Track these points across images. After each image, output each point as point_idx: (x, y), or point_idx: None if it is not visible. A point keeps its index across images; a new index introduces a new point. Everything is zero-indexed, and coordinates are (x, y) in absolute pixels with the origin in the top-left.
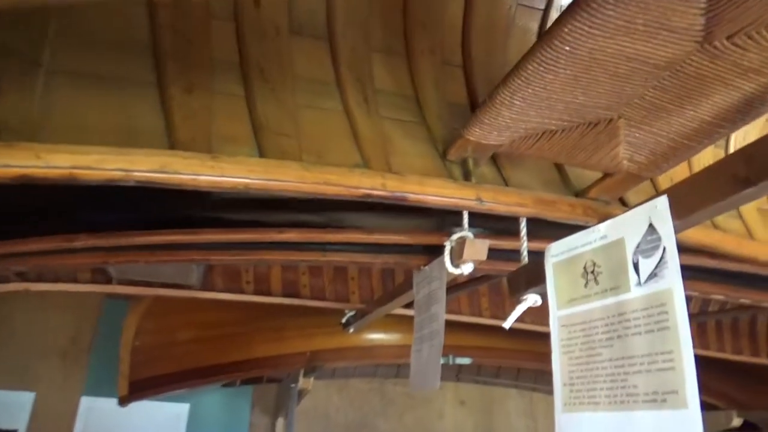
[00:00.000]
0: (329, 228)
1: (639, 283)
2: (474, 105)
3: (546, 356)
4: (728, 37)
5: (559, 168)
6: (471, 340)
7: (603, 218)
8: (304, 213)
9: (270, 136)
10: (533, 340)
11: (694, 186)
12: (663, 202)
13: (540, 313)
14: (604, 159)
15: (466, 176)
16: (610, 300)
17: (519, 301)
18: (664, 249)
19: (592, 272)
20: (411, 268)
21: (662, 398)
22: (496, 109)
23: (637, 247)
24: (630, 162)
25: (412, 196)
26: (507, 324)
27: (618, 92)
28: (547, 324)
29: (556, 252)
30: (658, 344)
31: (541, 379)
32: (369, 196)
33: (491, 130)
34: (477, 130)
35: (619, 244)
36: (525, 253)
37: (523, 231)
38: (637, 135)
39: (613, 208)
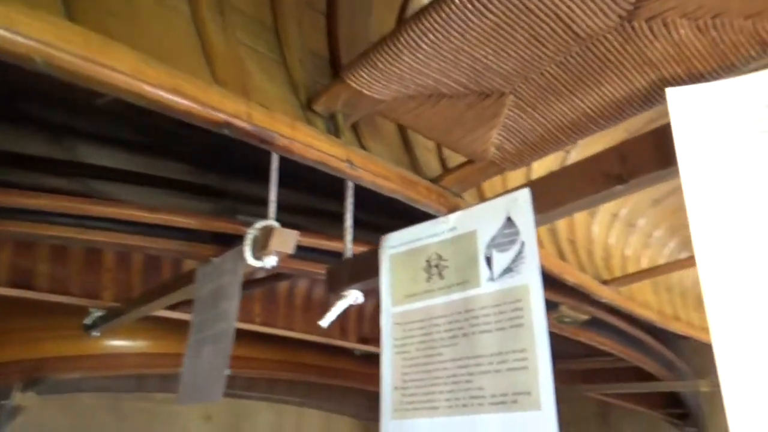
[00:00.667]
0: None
1: (491, 279)
2: (336, 60)
3: (306, 367)
4: (648, 19)
5: (409, 152)
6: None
7: (452, 209)
8: (56, 177)
9: (88, 3)
10: (293, 349)
11: (561, 181)
12: (525, 194)
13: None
14: (476, 141)
15: (335, 134)
16: (457, 296)
17: (339, 297)
18: (523, 244)
19: (437, 266)
20: (193, 258)
21: (512, 399)
22: (397, 51)
23: (492, 240)
24: (497, 150)
25: (280, 140)
26: (325, 322)
27: (527, 60)
28: (315, 332)
29: (396, 243)
30: (510, 342)
31: (296, 390)
32: (229, 125)
33: (380, 79)
34: (363, 75)
35: (470, 237)
36: (350, 245)
37: (348, 221)
38: (518, 118)
39: (460, 200)
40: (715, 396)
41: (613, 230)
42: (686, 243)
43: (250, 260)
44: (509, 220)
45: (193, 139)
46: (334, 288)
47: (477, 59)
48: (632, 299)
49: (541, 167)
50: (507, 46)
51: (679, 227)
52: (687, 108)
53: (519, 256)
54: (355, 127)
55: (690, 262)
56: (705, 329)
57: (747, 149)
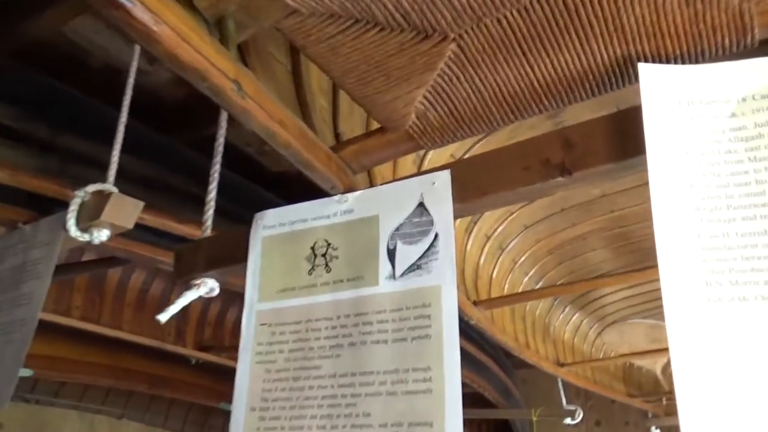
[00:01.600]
0: None
1: (392, 276)
2: None
3: (130, 373)
4: None
5: (304, 109)
6: (36, 346)
7: (348, 189)
8: None
9: None
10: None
11: (489, 165)
12: (443, 177)
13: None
14: (397, 101)
15: (222, 43)
16: (346, 294)
17: (188, 286)
18: (437, 236)
19: (324, 255)
20: None
21: (408, 431)
22: None
23: (397, 229)
24: (418, 119)
25: (165, 31)
26: (164, 315)
27: None
28: (146, 334)
29: (272, 222)
30: (410, 358)
31: (115, 399)
32: (111, 4)
33: None
34: None
35: (370, 223)
36: (209, 220)
37: (213, 192)
38: (453, 79)
39: (357, 181)
40: (541, 425)
41: (485, 251)
42: (544, 274)
43: (74, 231)
44: (422, 206)
45: (26, 78)
46: (184, 273)
47: None
48: (493, 323)
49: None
50: None
51: (541, 256)
52: (659, 89)
53: (431, 250)
54: (243, 54)
55: (542, 293)
56: (549, 360)
57: (718, 146)
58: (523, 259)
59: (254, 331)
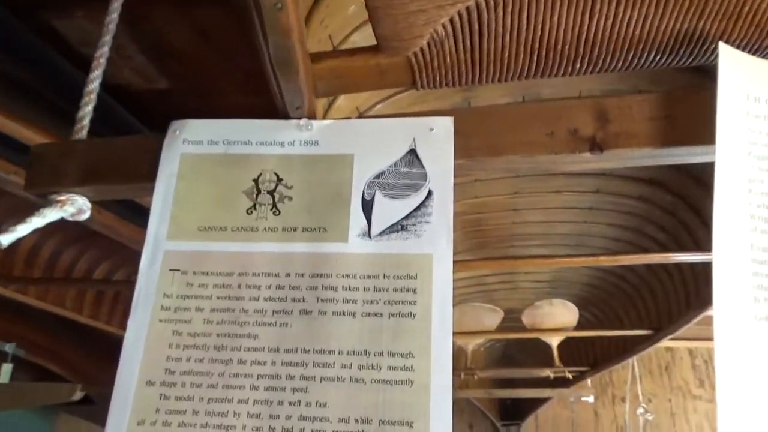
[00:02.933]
0: None
1: (366, 234)
2: None
3: None
4: None
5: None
6: None
7: (311, 116)
8: None
9: None
10: None
11: (503, 121)
12: (445, 124)
13: None
14: (419, 15)
15: None
16: (301, 247)
17: (48, 203)
18: (430, 194)
19: (272, 193)
20: None
21: (379, 430)
22: None
23: (377, 177)
24: (429, 47)
25: None
26: (6, 238)
27: None
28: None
29: (199, 137)
30: (386, 339)
31: None
32: None
33: None
34: None
35: (340, 162)
36: (86, 121)
37: (96, 82)
38: (500, 5)
39: (322, 107)
40: None
41: None
42: None
43: None
44: (413, 154)
45: None
46: (41, 184)
47: None
48: None
49: None
50: None
51: None
52: (734, 77)
53: (421, 210)
54: None
55: None
56: None
57: None
58: None
59: (159, 276)
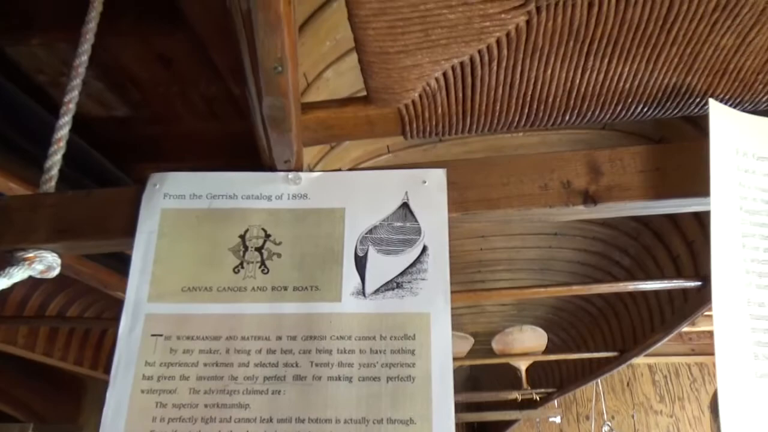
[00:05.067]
0: None
1: (361, 293)
2: None
3: None
4: None
5: None
6: None
7: (299, 167)
8: None
9: None
10: None
11: (497, 173)
12: (438, 177)
13: None
14: (413, 70)
15: None
16: (292, 308)
17: (13, 261)
18: (425, 249)
19: (260, 250)
20: None
21: None
22: None
23: (370, 232)
24: (420, 99)
25: None
26: None
27: None
28: None
29: (181, 190)
30: (386, 405)
31: None
32: None
33: None
34: None
35: (331, 217)
36: (54, 171)
37: (65, 129)
38: (495, 60)
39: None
40: None
41: None
42: None
43: None
44: (406, 208)
45: None
46: (7, 241)
47: None
48: None
49: None
50: None
51: None
52: (725, 132)
53: (417, 267)
54: None
55: None
56: None
57: (764, 206)
58: None
59: (140, 343)
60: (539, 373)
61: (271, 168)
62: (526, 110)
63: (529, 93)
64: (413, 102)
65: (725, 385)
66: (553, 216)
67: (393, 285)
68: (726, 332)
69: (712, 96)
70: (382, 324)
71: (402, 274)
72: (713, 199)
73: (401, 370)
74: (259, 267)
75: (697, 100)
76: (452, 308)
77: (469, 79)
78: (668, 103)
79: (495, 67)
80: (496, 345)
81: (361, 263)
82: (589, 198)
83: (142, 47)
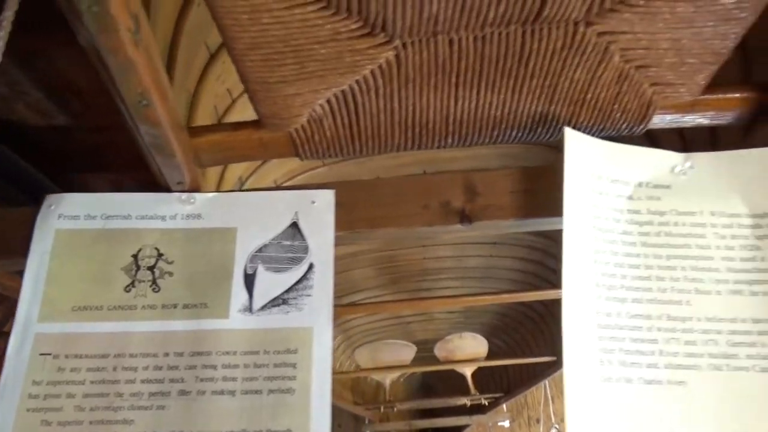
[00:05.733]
0: None
1: (248, 309)
2: None
3: None
4: (600, 34)
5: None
6: None
7: (193, 187)
8: None
9: None
10: None
11: (383, 194)
12: (327, 198)
13: None
14: (296, 98)
15: None
16: (181, 325)
17: None
18: (312, 267)
19: (152, 269)
20: None
21: None
22: None
23: (260, 250)
24: (309, 124)
25: None
26: None
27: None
28: None
29: (75, 211)
30: (265, 416)
31: None
32: None
33: None
34: None
35: (224, 236)
36: None
37: None
38: (372, 89)
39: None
40: None
41: None
42: None
43: None
44: (295, 227)
45: None
46: None
47: None
48: None
49: None
50: None
51: None
52: (579, 157)
53: (303, 284)
54: None
55: None
56: None
57: (617, 225)
58: None
59: (28, 362)
60: (486, 379)
61: (166, 189)
62: (410, 134)
63: (410, 119)
64: (302, 127)
65: (572, 388)
66: (434, 234)
67: (279, 301)
68: (575, 339)
69: (575, 123)
70: (266, 339)
71: (288, 290)
72: (566, 219)
73: (282, 382)
74: (150, 286)
75: (564, 126)
76: (400, 317)
77: (351, 106)
78: (539, 129)
79: (374, 96)
80: (438, 352)
81: (249, 281)
82: (466, 217)
83: (83, 56)
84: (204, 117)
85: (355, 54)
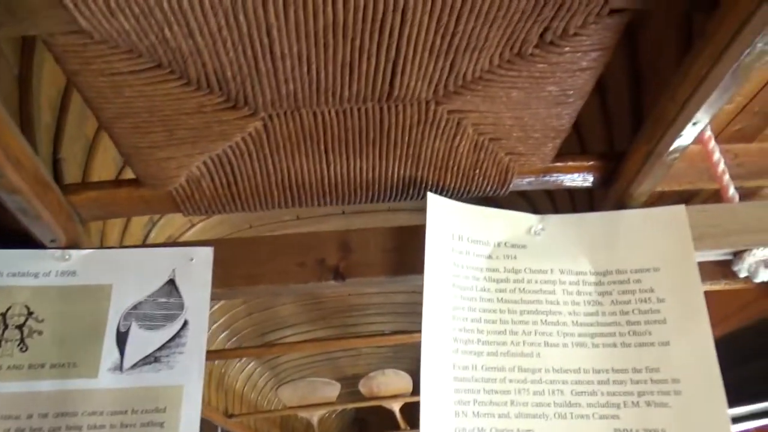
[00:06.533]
0: None
1: (119, 368)
2: None
3: None
4: (450, 111)
5: (27, 129)
6: None
7: (72, 244)
8: None
9: None
10: None
11: (259, 252)
12: (204, 255)
13: None
14: (170, 161)
15: None
16: (47, 385)
17: None
18: (186, 324)
19: (20, 328)
20: None
21: None
22: None
23: (134, 308)
24: (188, 184)
25: None
26: None
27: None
28: None
29: None
30: None
31: None
32: None
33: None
34: None
35: (98, 293)
36: None
37: None
38: (245, 154)
39: (84, 236)
40: None
41: None
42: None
43: None
44: (171, 284)
45: None
46: None
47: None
48: None
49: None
50: (329, 44)
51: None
52: (440, 219)
53: (176, 341)
54: None
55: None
56: (218, 411)
57: (476, 283)
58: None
59: None
60: (416, 413)
61: (41, 245)
62: (288, 194)
63: (287, 180)
64: (181, 186)
65: None
66: (309, 290)
67: (151, 359)
68: (432, 392)
69: (442, 186)
70: (135, 398)
71: (161, 348)
72: (426, 276)
73: None
74: (18, 345)
75: (432, 189)
76: (329, 352)
77: (228, 168)
78: (411, 190)
79: (248, 160)
80: (362, 389)
81: (122, 339)
82: (339, 274)
83: None
84: (104, 164)
85: (222, 124)
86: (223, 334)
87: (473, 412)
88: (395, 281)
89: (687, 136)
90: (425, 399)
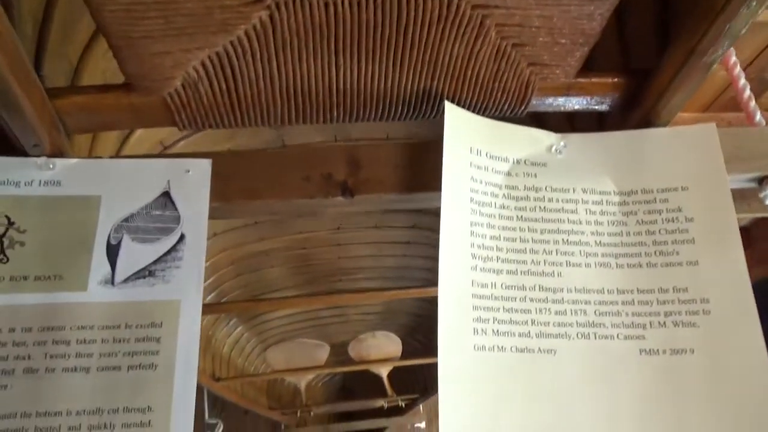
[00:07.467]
0: None
1: (110, 281)
2: None
3: None
4: (474, 6)
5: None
6: None
7: (56, 152)
8: None
9: None
10: None
11: (261, 165)
12: (202, 167)
13: None
14: (165, 57)
15: None
16: (31, 298)
17: None
18: (183, 238)
19: (1, 238)
20: None
21: None
22: None
23: (126, 220)
24: (184, 89)
25: None
26: None
27: None
28: None
29: None
30: (124, 394)
31: None
32: None
33: None
34: None
35: (86, 204)
36: None
37: None
38: (248, 53)
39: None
40: None
41: None
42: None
43: None
44: (166, 197)
45: None
46: None
47: None
48: None
49: None
50: None
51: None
52: (459, 132)
53: (172, 255)
54: None
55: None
56: (205, 373)
57: (495, 200)
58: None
59: None
60: (403, 380)
61: (23, 153)
62: (293, 104)
63: (292, 87)
64: (177, 91)
65: (445, 356)
66: (314, 207)
67: (145, 273)
68: (450, 309)
69: (458, 100)
70: (128, 312)
71: (156, 262)
72: (444, 191)
73: (144, 358)
74: None
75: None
76: (317, 317)
77: (228, 70)
78: (423, 106)
79: (251, 60)
80: (352, 352)
81: (113, 252)
82: (348, 190)
83: None
84: None
85: (224, 11)
86: (210, 296)
87: (493, 330)
88: (408, 199)
89: (737, 26)
90: (443, 316)
